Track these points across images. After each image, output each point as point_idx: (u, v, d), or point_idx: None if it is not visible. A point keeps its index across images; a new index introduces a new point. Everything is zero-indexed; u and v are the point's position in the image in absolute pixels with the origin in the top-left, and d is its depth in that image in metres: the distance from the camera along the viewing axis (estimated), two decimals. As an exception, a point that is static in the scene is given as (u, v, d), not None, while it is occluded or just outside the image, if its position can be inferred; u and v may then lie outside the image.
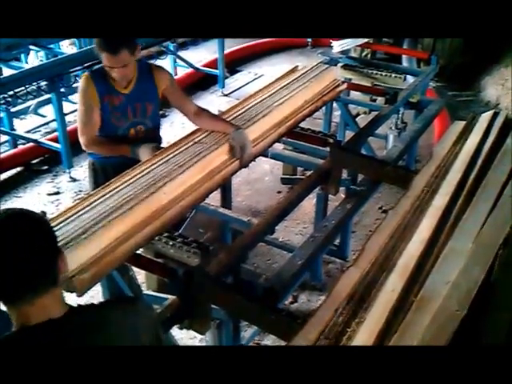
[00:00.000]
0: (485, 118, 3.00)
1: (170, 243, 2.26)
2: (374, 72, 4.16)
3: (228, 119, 2.96)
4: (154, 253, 2.36)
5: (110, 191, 2.32)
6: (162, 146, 2.76)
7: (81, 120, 2.63)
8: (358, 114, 5.39)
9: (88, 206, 2.22)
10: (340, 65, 4.31)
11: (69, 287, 1.85)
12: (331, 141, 3.16)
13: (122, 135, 2.67)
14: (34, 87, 4.27)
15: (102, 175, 2.76)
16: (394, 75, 4.09)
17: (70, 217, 2.11)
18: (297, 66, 3.85)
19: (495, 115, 3.01)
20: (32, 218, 1.16)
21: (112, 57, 2.43)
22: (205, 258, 2.19)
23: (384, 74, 4.13)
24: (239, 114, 3.07)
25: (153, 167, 2.50)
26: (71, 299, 2.91)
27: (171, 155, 2.60)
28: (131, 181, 2.39)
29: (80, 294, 1.92)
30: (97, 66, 2.69)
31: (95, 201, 2.25)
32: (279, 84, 3.49)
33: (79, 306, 1.24)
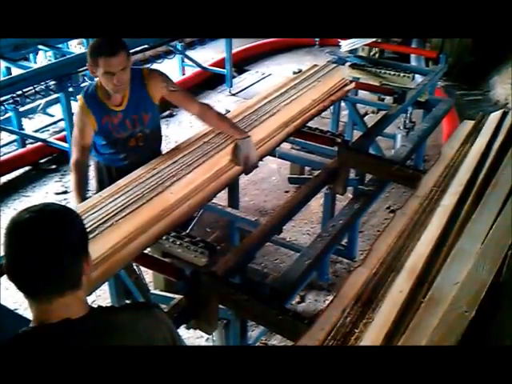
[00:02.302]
0: (494, 117, 2.98)
1: (178, 243, 2.26)
2: (383, 71, 4.14)
3: (236, 119, 2.95)
4: (161, 252, 2.37)
5: (117, 191, 2.33)
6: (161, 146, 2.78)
7: (74, 139, 2.61)
8: (366, 114, 5.38)
9: (96, 205, 2.23)
10: (348, 64, 4.30)
11: None
12: (339, 140, 3.15)
13: (123, 144, 2.66)
14: (42, 87, 4.28)
15: (106, 174, 2.77)
16: (402, 74, 4.07)
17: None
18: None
19: (504, 115, 2.99)
20: (67, 217, 1.16)
21: (111, 59, 2.36)
22: (212, 257, 2.19)
23: (392, 73, 4.12)
24: (247, 115, 3.06)
25: (160, 167, 2.51)
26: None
27: (179, 155, 2.61)
28: (139, 181, 2.40)
29: (87, 294, 1.92)
30: (89, 90, 2.61)
31: (103, 200, 2.26)
32: (287, 85, 3.48)
33: (99, 307, 1.24)
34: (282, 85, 3.50)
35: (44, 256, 1.08)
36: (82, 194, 2.50)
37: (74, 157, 2.60)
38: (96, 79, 2.56)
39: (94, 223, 2.09)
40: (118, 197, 2.28)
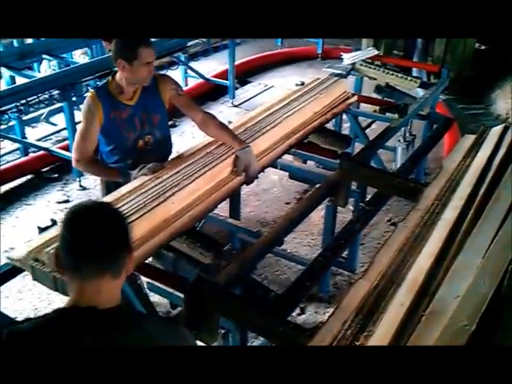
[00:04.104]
0: (495, 131, 2.99)
1: (184, 237, 2.25)
2: (390, 72, 4.23)
3: (238, 131, 2.97)
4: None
5: (120, 199, 2.33)
6: (163, 160, 2.75)
7: (80, 134, 2.62)
8: (369, 125, 5.38)
9: None
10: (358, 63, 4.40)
11: None
12: (340, 152, 3.17)
13: (131, 147, 2.67)
14: (46, 96, 4.31)
15: (113, 188, 2.73)
16: (409, 78, 4.16)
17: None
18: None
19: (505, 129, 3.00)
20: (120, 214, 1.30)
21: (149, 49, 2.49)
22: (218, 257, 2.18)
23: (400, 75, 4.22)
24: (249, 126, 3.08)
25: (163, 176, 2.51)
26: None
27: (182, 165, 2.61)
28: (141, 190, 2.40)
29: None
30: (100, 85, 2.69)
31: None
32: (290, 97, 3.50)
33: (128, 308, 1.26)
34: (285, 97, 3.52)
35: (100, 233, 1.19)
36: (115, 169, 2.63)
37: (80, 152, 2.60)
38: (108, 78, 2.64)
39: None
40: (120, 206, 2.29)
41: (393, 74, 4.26)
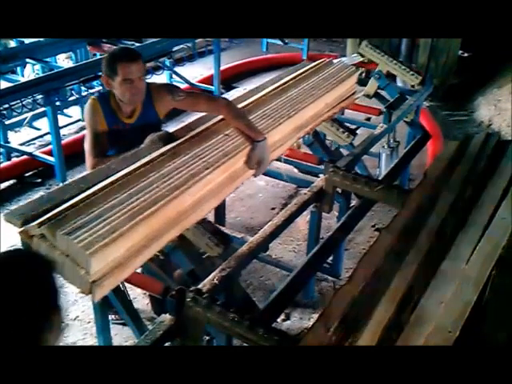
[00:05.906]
0: (478, 138, 3.02)
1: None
2: (394, 62, 4.33)
3: (251, 117, 2.79)
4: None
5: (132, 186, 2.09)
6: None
7: (90, 141, 2.50)
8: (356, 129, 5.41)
9: (110, 202, 1.98)
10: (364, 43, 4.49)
11: (90, 290, 1.81)
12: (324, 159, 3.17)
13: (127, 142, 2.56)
14: (29, 100, 4.27)
15: None
16: (411, 73, 4.21)
17: (94, 213, 1.89)
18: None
19: (488, 136, 3.03)
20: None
21: (131, 65, 2.37)
22: (225, 251, 2.14)
23: (403, 67, 4.34)
24: (265, 110, 2.91)
25: (180, 157, 2.29)
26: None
27: (199, 147, 2.40)
28: (159, 173, 2.18)
29: (97, 300, 1.89)
30: (103, 93, 2.62)
31: (118, 196, 2.02)
32: (305, 79, 3.34)
33: None
34: (298, 74, 3.37)
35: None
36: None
37: (95, 159, 2.43)
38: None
39: (110, 225, 1.86)
40: (136, 194, 2.02)
41: (396, 64, 4.31)
